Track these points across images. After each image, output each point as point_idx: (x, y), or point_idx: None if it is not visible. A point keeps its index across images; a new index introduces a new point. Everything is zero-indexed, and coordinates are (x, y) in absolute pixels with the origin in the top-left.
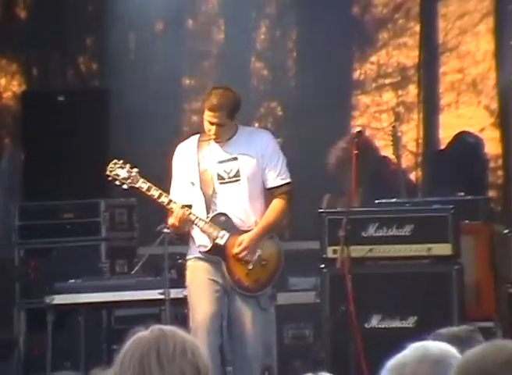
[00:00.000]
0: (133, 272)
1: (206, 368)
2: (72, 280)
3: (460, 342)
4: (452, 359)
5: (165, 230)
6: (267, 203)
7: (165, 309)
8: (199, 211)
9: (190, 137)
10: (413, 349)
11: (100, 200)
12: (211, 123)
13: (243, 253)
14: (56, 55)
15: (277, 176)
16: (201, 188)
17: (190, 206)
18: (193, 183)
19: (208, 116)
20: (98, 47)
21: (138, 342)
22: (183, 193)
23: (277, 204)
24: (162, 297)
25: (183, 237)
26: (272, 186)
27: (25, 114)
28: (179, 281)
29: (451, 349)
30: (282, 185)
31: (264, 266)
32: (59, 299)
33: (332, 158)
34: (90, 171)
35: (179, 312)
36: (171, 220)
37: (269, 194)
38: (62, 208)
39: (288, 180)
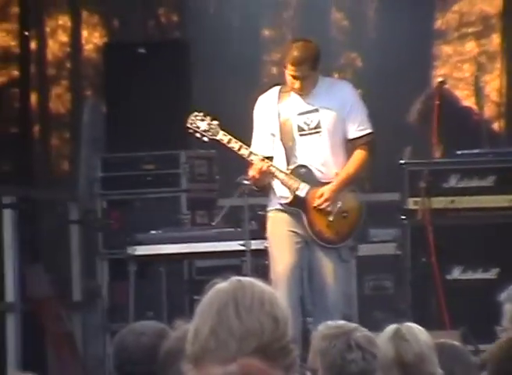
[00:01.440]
0: (213, 223)
1: (285, 319)
2: (154, 231)
3: None
4: None
5: (245, 182)
6: (348, 154)
7: (246, 260)
8: (279, 163)
9: (270, 88)
10: None
11: (180, 151)
12: (295, 77)
13: (324, 204)
14: (137, 6)
15: (358, 127)
16: (282, 140)
17: (270, 158)
18: (273, 135)
19: (291, 70)
20: None
21: (216, 294)
22: (264, 145)
23: (358, 155)
24: (243, 248)
25: (263, 189)
26: (353, 137)
27: (106, 66)
28: (260, 232)
29: None
30: (363, 136)
31: (346, 218)
32: (141, 250)
33: (413, 109)
34: (171, 122)
35: (259, 263)
36: (251, 172)
37: (351, 145)
38: (143, 159)
39: (369, 131)
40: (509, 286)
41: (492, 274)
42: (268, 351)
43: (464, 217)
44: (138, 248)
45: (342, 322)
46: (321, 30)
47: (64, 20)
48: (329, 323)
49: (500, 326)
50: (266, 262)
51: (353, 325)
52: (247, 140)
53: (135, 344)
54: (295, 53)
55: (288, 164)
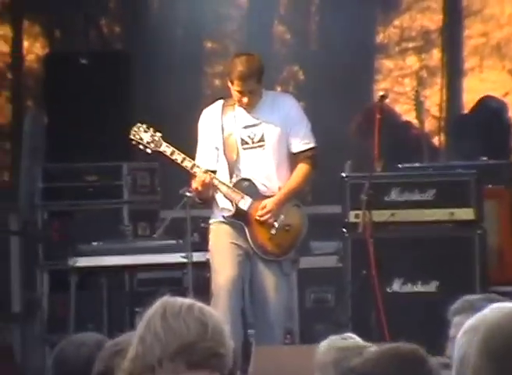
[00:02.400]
0: (155, 235)
1: (216, 326)
2: (95, 243)
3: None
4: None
5: (188, 194)
6: (292, 168)
7: (187, 273)
8: (223, 176)
9: (213, 100)
10: (496, 309)
11: (123, 163)
12: (242, 92)
13: (267, 217)
14: (78, 17)
15: (301, 141)
16: (225, 153)
17: (214, 171)
18: (217, 149)
19: (237, 85)
20: (120, 9)
21: (149, 310)
22: (207, 158)
23: (301, 169)
24: (185, 260)
25: (206, 201)
26: (297, 151)
27: (48, 76)
28: (202, 245)
29: None
30: (306, 150)
31: (288, 232)
32: (82, 261)
33: (353, 124)
34: (113, 134)
35: (201, 275)
36: (194, 184)
37: (294, 158)
38: (85, 170)
39: (312, 145)
40: (448, 299)
41: (431, 287)
42: (193, 351)
43: (405, 230)
44: (79, 259)
45: (349, 336)
46: (264, 44)
47: (5, 30)
48: (336, 337)
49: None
50: (208, 274)
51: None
52: (190, 152)
53: (75, 356)
54: (240, 68)
55: (231, 177)
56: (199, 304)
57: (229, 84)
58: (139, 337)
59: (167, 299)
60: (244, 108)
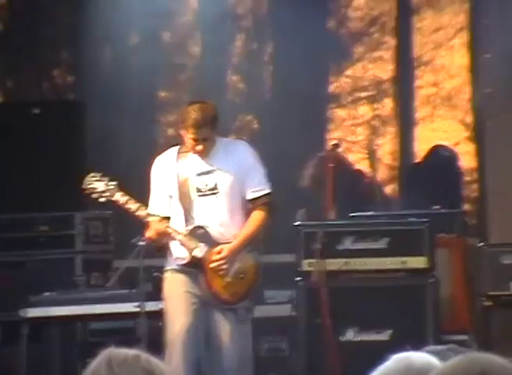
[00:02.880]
0: (108, 285)
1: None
2: (47, 293)
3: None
4: (435, 370)
5: (141, 243)
6: (248, 214)
7: (140, 322)
8: (177, 223)
9: (167, 149)
10: (396, 361)
11: (75, 213)
12: (196, 140)
13: (221, 264)
14: (31, 67)
15: (256, 188)
16: (180, 200)
17: (168, 218)
18: (171, 196)
19: (191, 133)
20: (73, 59)
21: (94, 361)
22: (161, 205)
23: (256, 215)
24: (138, 310)
25: (161, 249)
26: (252, 197)
27: (0, 125)
28: (155, 294)
29: (434, 360)
30: (261, 196)
31: (242, 279)
32: (33, 312)
33: (306, 173)
34: (65, 184)
35: (154, 325)
36: (148, 234)
37: (250, 205)
38: (37, 220)
39: (267, 191)
40: (401, 347)
41: (385, 335)
42: None
43: (358, 279)
44: (30, 310)
45: None
46: (218, 93)
47: None
48: None
49: None
50: (160, 324)
51: None
52: (144, 201)
53: None
54: (194, 116)
55: (186, 224)
56: (145, 354)
57: (183, 133)
58: None
59: (112, 349)
60: (199, 156)
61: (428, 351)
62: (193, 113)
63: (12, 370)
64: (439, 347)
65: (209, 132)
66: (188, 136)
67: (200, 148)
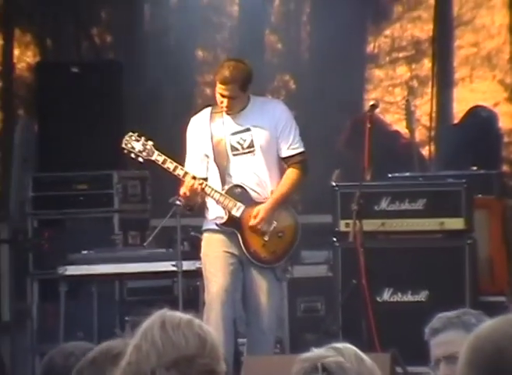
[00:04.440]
0: (145, 244)
1: (213, 343)
2: (85, 252)
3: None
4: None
5: (178, 203)
6: (282, 172)
7: (177, 281)
8: (214, 183)
9: (203, 109)
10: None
11: (113, 172)
12: (223, 96)
13: (260, 225)
14: (70, 26)
15: (290, 146)
16: (215, 160)
17: (205, 179)
18: (207, 156)
19: (220, 88)
20: (112, 19)
21: (145, 321)
22: (197, 166)
23: (290, 174)
24: (175, 269)
25: (193, 208)
26: (286, 156)
27: (39, 85)
28: (192, 253)
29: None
30: (295, 155)
31: (281, 238)
32: (72, 270)
33: (341, 137)
34: (104, 142)
35: (191, 284)
36: (182, 189)
37: (284, 163)
38: (76, 179)
39: (301, 150)
40: (437, 309)
41: (421, 297)
42: (191, 365)
43: (395, 240)
44: (69, 268)
45: (324, 349)
46: (256, 53)
47: None
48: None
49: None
50: (197, 283)
51: (332, 351)
52: (182, 161)
53: (63, 365)
54: (225, 72)
55: (223, 184)
56: (198, 320)
57: (214, 87)
58: (134, 345)
59: (166, 311)
60: (231, 115)
61: (440, 319)
62: (226, 69)
63: (51, 328)
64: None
65: (236, 91)
66: (217, 90)
67: (224, 104)
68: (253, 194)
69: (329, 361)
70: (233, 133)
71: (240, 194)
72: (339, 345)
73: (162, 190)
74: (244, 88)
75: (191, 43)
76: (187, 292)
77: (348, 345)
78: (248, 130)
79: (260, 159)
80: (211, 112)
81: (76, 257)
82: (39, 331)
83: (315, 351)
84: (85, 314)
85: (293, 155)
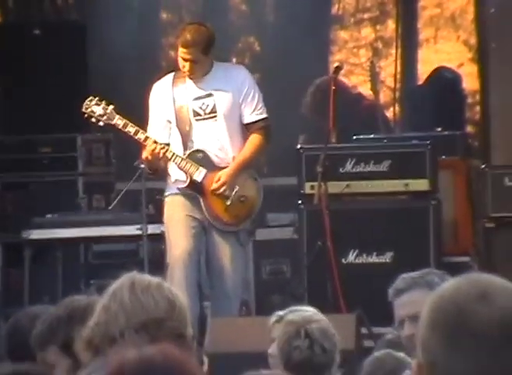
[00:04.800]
0: (110, 207)
1: (182, 307)
2: (50, 215)
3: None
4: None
5: (142, 166)
6: (245, 138)
7: (142, 245)
8: (176, 148)
9: (166, 73)
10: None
11: (77, 135)
12: (185, 60)
13: (222, 188)
14: None
15: (253, 112)
16: (178, 126)
17: (168, 144)
18: (169, 121)
19: (181, 52)
20: None
21: (114, 282)
22: (160, 131)
23: (253, 139)
24: (140, 232)
25: (156, 172)
26: (249, 121)
27: (1, 47)
28: (157, 217)
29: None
30: (258, 120)
31: (243, 202)
32: (36, 234)
33: (305, 101)
34: (67, 106)
35: (156, 247)
36: (144, 154)
37: (247, 129)
38: (40, 142)
39: (264, 116)
40: (402, 270)
41: (386, 258)
42: (159, 328)
43: (360, 202)
44: (34, 232)
45: (309, 311)
46: (220, 14)
47: None
48: (297, 311)
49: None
50: (162, 246)
51: (317, 317)
52: (144, 124)
53: (28, 327)
54: (187, 36)
55: (185, 149)
56: (167, 283)
57: (176, 51)
58: (103, 305)
59: (135, 274)
60: (193, 79)
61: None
62: (187, 33)
63: (15, 292)
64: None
65: (198, 54)
66: (179, 54)
67: (186, 68)
68: (215, 159)
69: (313, 327)
70: (196, 99)
71: (201, 158)
72: (300, 308)
73: (127, 153)
74: (206, 52)
75: (155, 4)
76: (153, 255)
77: (308, 308)
78: (211, 95)
79: (222, 125)
80: (174, 78)
81: (41, 221)
82: (3, 295)
83: (300, 314)
84: (50, 278)
85: (255, 121)
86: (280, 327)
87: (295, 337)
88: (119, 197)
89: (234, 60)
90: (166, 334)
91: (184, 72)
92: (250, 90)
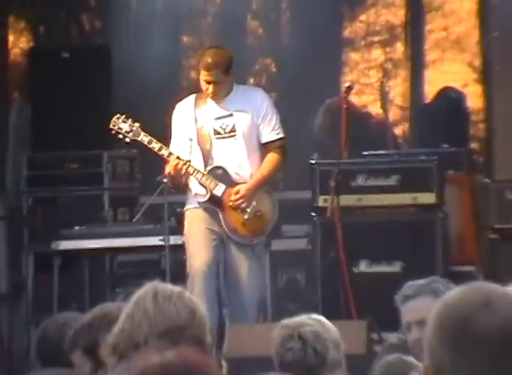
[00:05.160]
0: (134, 220)
1: (202, 316)
2: (77, 227)
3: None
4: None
5: (165, 181)
6: (262, 157)
7: (164, 255)
8: (197, 165)
9: (189, 92)
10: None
11: (103, 152)
12: (208, 82)
13: (240, 202)
14: (61, 13)
15: (271, 132)
16: (199, 143)
17: (189, 161)
18: (191, 139)
19: (204, 75)
20: (101, 5)
21: (137, 292)
22: (181, 149)
23: (271, 158)
24: (162, 243)
25: (177, 187)
26: (267, 141)
27: (32, 70)
28: (178, 229)
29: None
30: (275, 140)
31: (260, 217)
32: (65, 245)
33: (315, 122)
34: (94, 124)
35: (177, 257)
36: (167, 169)
37: (264, 148)
38: (68, 158)
39: (281, 135)
40: (411, 278)
41: (395, 267)
42: (181, 335)
43: (370, 214)
44: (62, 243)
45: (305, 317)
46: (238, 37)
47: None
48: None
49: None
50: (184, 257)
51: (310, 321)
52: (167, 141)
53: (58, 335)
54: (208, 59)
55: (205, 166)
56: (188, 292)
57: (199, 76)
58: (127, 313)
59: (158, 283)
60: (215, 100)
61: (410, 287)
62: (207, 56)
63: (45, 299)
64: (419, 281)
65: (219, 75)
66: (201, 77)
67: (210, 89)
68: (233, 175)
69: (306, 330)
70: (217, 118)
71: (221, 175)
72: (306, 317)
73: (151, 168)
74: (227, 73)
75: (177, 28)
76: (174, 265)
77: (316, 317)
78: (231, 115)
79: (241, 143)
80: (196, 99)
81: (69, 232)
82: (34, 302)
83: (296, 319)
84: (77, 286)
85: (273, 141)
86: (277, 331)
87: (289, 340)
88: (142, 210)
89: (252, 80)
90: (187, 341)
91: (208, 93)
92: (268, 111)
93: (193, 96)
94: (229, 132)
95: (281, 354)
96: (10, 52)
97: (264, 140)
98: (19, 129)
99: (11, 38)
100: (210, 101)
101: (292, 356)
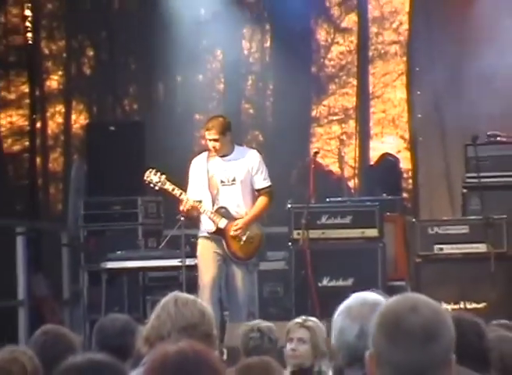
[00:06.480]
0: (160, 247)
1: (210, 317)
2: (119, 252)
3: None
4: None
5: (182, 218)
6: (255, 199)
7: (182, 273)
8: (207, 204)
9: (201, 153)
10: (355, 297)
11: (138, 197)
12: (210, 140)
13: (238, 232)
14: (109, 97)
15: (262, 181)
16: (209, 189)
17: (200, 201)
18: (203, 186)
19: (206, 135)
20: (137, 92)
21: (163, 299)
22: (196, 192)
23: (262, 200)
24: (180, 264)
25: (190, 220)
26: (259, 187)
27: (88, 138)
28: (192, 253)
29: (381, 297)
30: (265, 187)
31: (252, 243)
32: (110, 264)
33: (294, 173)
34: (132, 177)
35: (191, 275)
36: (181, 207)
37: (257, 193)
38: (113, 202)
39: (269, 184)
40: (360, 289)
41: (348, 282)
42: (195, 330)
43: (331, 244)
44: (108, 263)
45: (259, 320)
46: (235, 115)
47: (59, 107)
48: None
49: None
50: (196, 274)
51: (265, 322)
52: (184, 188)
53: (111, 326)
54: (208, 124)
55: (213, 205)
56: (199, 299)
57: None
58: (156, 315)
59: (177, 293)
60: (218, 155)
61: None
62: (209, 122)
63: (96, 305)
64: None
65: (217, 134)
66: (206, 138)
67: (211, 146)
68: (233, 213)
69: (262, 325)
70: (222, 171)
71: (224, 212)
72: (260, 320)
73: (172, 209)
74: (224, 133)
75: (191, 109)
76: (189, 280)
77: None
78: (232, 169)
79: (239, 189)
80: (208, 155)
81: (113, 255)
82: (88, 307)
83: (254, 321)
84: (119, 295)
85: (263, 187)
86: (241, 328)
87: (251, 332)
88: (166, 240)
89: (245, 146)
90: (199, 335)
91: (212, 150)
92: (260, 166)
93: (205, 153)
94: (231, 181)
95: (245, 342)
96: (72, 126)
97: (256, 187)
98: (77, 181)
99: (73, 117)
100: (218, 158)
101: (253, 343)
